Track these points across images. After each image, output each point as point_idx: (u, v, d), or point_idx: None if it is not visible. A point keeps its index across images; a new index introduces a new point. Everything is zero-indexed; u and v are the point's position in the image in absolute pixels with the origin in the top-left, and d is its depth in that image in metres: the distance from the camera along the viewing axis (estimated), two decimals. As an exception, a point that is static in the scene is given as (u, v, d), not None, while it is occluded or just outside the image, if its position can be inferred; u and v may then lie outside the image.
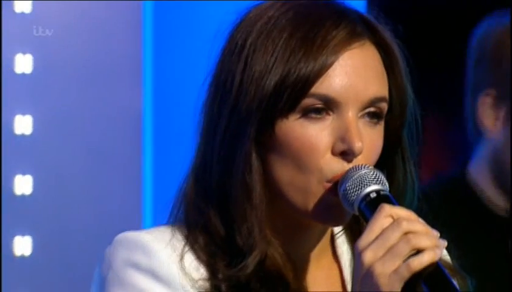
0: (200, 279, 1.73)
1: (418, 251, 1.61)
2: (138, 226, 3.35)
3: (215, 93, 1.77)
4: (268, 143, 1.74)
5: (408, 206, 1.78)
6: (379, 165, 1.79)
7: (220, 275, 1.73)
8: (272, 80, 1.73)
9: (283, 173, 1.75)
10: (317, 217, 1.75)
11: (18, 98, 3.45)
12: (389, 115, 1.78)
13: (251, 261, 1.73)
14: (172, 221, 1.78)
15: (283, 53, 1.74)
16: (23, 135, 3.48)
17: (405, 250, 1.62)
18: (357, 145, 1.70)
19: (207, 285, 1.74)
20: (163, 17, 3.66)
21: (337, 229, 1.90)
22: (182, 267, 1.73)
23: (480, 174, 2.71)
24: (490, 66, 2.58)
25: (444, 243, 1.66)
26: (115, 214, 3.46)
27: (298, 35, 1.75)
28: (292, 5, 1.78)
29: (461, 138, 2.89)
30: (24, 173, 3.48)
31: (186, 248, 1.75)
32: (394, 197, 1.73)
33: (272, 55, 1.75)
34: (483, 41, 2.62)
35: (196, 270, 1.74)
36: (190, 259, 1.73)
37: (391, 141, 1.80)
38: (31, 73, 3.52)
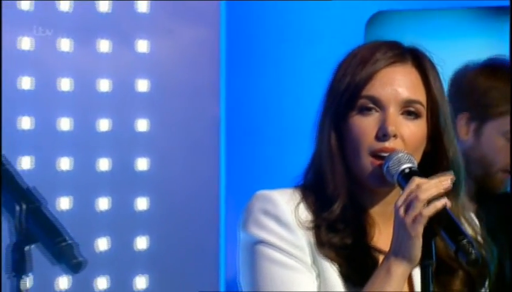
0: (307, 221, 2.07)
1: (431, 199, 1.94)
2: (215, 212, 3.60)
3: (324, 96, 2.15)
4: (341, 130, 2.11)
5: (457, 179, 2.05)
6: (430, 150, 2.12)
7: (319, 219, 2.07)
8: (341, 87, 2.11)
9: (349, 150, 2.10)
10: (367, 182, 2.09)
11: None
12: (428, 115, 2.11)
13: (336, 208, 2.07)
14: (294, 186, 2.13)
15: (350, 69, 2.11)
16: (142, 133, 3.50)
17: (420, 204, 1.93)
18: (390, 128, 2.05)
19: (311, 225, 2.07)
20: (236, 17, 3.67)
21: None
22: (296, 215, 2.07)
23: None
24: (464, 96, 2.85)
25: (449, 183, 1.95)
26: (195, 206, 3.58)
27: (361, 56, 2.12)
28: (370, 42, 2.19)
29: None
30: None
31: (300, 202, 2.10)
32: (443, 172, 2.02)
33: (345, 71, 2.12)
34: (460, 79, 2.88)
35: (305, 216, 2.07)
36: (302, 209, 2.08)
37: (433, 133, 2.12)
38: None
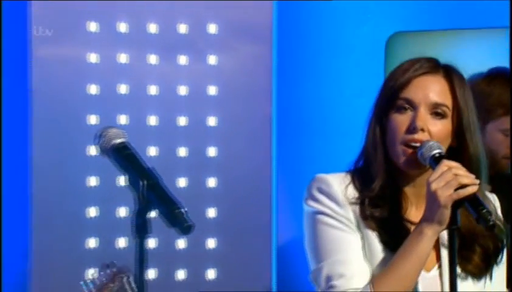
0: (353, 198, 2.10)
1: (462, 186, 1.93)
2: (268, 189, 3.56)
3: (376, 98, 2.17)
4: (383, 125, 2.11)
5: (477, 168, 2.06)
6: (456, 145, 2.09)
7: (363, 196, 2.09)
8: (385, 91, 2.13)
9: (388, 141, 2.10)
10: (400, 165, 2.09)
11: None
12: (454, 116, 2.10)
13: (375, 186, 2.09)
14: (346, 171, 2.16)
15: (394, 76, 2.13)
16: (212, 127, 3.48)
17: (455, 184, 1.94)
18: (418, 123, 2.06)
19: (357, 201, 2.09)
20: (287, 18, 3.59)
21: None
22: (345, 193, 2.10)
23: None
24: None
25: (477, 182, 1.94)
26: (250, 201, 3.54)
27: (403, 67, 2.14)
28: (413, 58, 2.18)
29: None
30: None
31: (349, 183, 2.12)
32: (467, 163, 2.03)
33: (391, 78, 2.14)
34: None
35: (353, 194, 2.10)
36: (350, 189, 2.11)
37: (457, 131, 2.11)
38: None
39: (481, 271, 2.07)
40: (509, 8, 2.99)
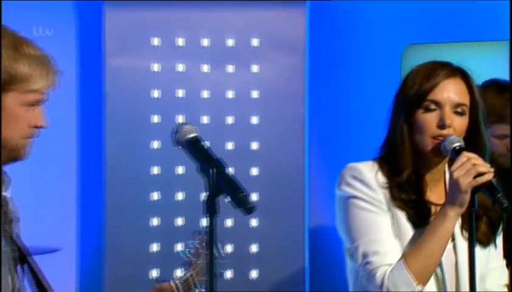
0: (383, 183, 2.04)
1: (480, 174, 1.91)
2: (301, 175, 3.52)
3: (394, 98, 2.10)
4: (410, 122, 2.04)
5: (486, 157, 2.02)
6: (470, 137, 2.04)
7: (392, 182, 2.03)
8: (410, 93, 2.05)
9: (416, 135, 2.03)
10: (430, 154, 2.02)
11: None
12: (471, 113, 2.05)
13: (404, 174, 2.03)
14: (372, 159, 2.09)
15: (417, 80, 2.05)
16: (255, 125, 3.46)
17: (474, 172, 1.91)
18: (447, 121, 2.01)
19: (386, 186, 2.03)
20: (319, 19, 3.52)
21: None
22: (376, 179, 2.03)
23: None
24: None
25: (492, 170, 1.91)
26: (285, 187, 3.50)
27: (424, 72, 2.06)
28: (429, 62, 2.11)
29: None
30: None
31: (378, 170, 2.05)
32: (479, 152, 1.98)
33: (413, 82, 2.05)
34: None
35: (382, 180, 2.04)
36: (379, 175, 2.04)
37: (473, 127, 2.06)
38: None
39: (489, 239, 2.05)
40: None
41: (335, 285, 3.32)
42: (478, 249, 1.99)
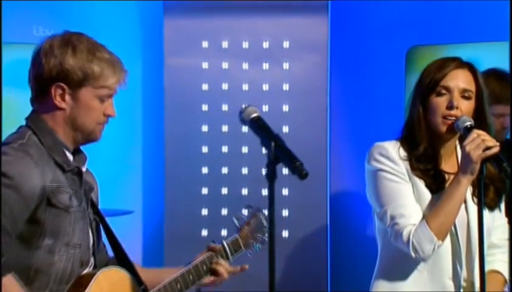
0: (404, 156, 1.99)
1: (489, 147, 1.88)
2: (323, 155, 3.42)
3: (413, 89, 2.04)
4: (425, 105, 1.99)
5: (491, 134, 1.96)
6: (477, 118, 1.98)
7: (411, 155, 1.99)
8: (426, 81, 2.01)
9: (430, 115, 1.98)
10: (440, 131, 1.98)
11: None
12: (476, 99, 2.01)
13: (421, 148, 1.98)
14: (395, 139, 2.03)
15: (432, 70, 2.01)
16: (285, 112, 3.36)
17: (483, 146, 1.88)
18: (455, 103, 1.96)
19: (406, 158, 1.98)
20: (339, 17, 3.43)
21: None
22: (398, 154, 1.99)
23: None
24: None
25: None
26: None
27: (437, 64, 2.03)
28: (443, 57, 2.08)
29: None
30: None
31: (400, 146, 2.01)
32: (486, 131, 1.93)
33: (429, 72, 2.01)
34: None
35: (403, 154, 1.99)
36: (401, 150, 2.00)
37: (479, 110, 2.02)
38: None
39: (495, 203, 2.02)
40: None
41: (353, 240, 3.32)
42: (485, 211, 1.95)
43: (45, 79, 1.68)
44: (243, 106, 1.76)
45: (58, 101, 1.69)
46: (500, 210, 2.04)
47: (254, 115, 1.74)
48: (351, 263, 3.31)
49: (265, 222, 1.99)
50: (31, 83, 1.72)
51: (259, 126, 1.72)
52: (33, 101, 1.73)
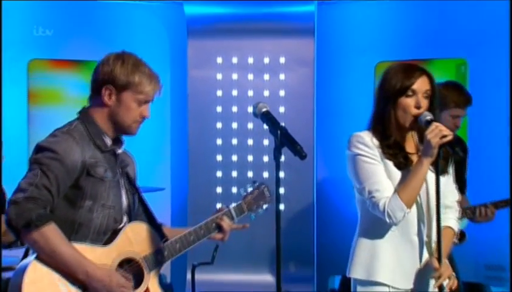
0: (377, 144, 1.88)
1: (445, 136, 1.81)
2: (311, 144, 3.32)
3: (379, 89, 1.91)
4: (395, 105, 1.88)
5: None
6: (430, 111, 1.86)
7: (382, 144, 1.89)
8: (395, 84, 1.88)
9: (399, 114, 1.87)
10: (408, 126, 1.88)
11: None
12: (431, 98, 1.90)
13: (391, 140, 1.89)
14: (366, 129, 1.91)
15: (399, 75, 1.88)
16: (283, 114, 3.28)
17: (440, 135, 1.81)
18: (421, 103, 1.87)
19: (379, 146, 1.88)
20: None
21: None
22: (372, 141, 1.88)
23: None
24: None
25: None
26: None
27: (402, 70, 1.89)
28: (403, 63, 1.95)
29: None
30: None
31: (372, 136, 1.90)
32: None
33: (395, 76, 1.88)
34: None
35: (376, 143, 1.89)
36: (375, 138, 1.89)
37: (432, 105, 1.90)
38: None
39: (445, 169, 1.93)
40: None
41: (336, 212, 3.30)
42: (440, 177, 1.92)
43: (99, 82, 1.75)
44: (256, 102, 1.73)
45: (106, 99, 1.74)
46: (449, 174, 1.97)
47: (264, 109, 1.73)
48: (333, 228, 3.30)
49: (267, 193, 1.97)
50: (91, 84, 1.79)
51: (268, 118, 1.69)
52: (90, 98, 1.80)
